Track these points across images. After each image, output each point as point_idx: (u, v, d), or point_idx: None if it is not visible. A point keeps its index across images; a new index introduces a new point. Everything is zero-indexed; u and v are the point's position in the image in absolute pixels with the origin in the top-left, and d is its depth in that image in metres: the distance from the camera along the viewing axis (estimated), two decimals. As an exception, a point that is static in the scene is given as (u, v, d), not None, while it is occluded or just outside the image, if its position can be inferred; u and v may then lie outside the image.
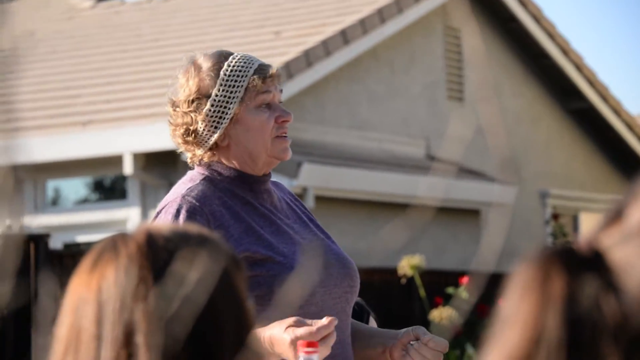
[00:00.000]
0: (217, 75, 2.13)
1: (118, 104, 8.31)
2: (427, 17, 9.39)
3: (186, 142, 2.14)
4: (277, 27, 9.12)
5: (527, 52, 10.36)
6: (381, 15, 8.82)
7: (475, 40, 9.98)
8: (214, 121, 2.12)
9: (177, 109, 2.15)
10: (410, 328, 2.13)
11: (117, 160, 7.94)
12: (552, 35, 10.18)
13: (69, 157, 8.03)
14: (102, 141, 7.91)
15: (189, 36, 9.46)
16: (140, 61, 9.11)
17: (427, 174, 8.52)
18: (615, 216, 0.71)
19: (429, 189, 8.38)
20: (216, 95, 2.12)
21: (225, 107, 2.12)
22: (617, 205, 0.72)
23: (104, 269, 1.05)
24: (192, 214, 2.05)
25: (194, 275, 1.00)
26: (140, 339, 1.00)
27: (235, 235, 2.07)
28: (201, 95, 2.13)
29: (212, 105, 2.12)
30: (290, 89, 8.11)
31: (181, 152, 2.19)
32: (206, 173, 2.14)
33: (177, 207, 2.06)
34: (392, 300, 7.70)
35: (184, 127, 2.13)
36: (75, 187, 8.50)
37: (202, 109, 2.12)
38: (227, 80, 2.13)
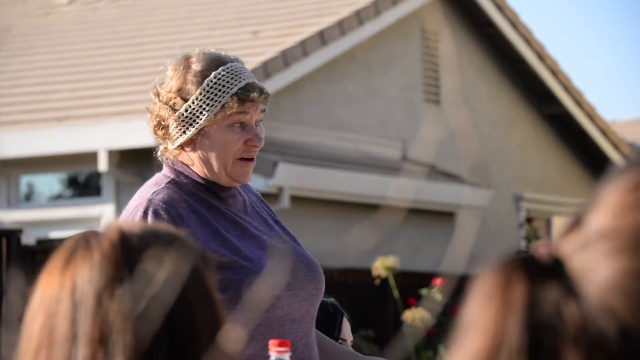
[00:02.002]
0: (201, 82, 2.11)
1: (94, 100, 8.28)
2: (404, 20, 9.42)
3: (156, 134, 2.15)
4: (255, 27, 9.12)
5: (504, 56, 10.42)
6: (359, 17, 8.84)
7: (451, 43, 10.03)
8: (183, 125, 2.11)
9: (157, 100, 2.15)
10: None
11: (91, 157, 7.91)
12: (528, 40, 10.25)
13: (43, 152, 7.99)
14: (77, 137, 7.87)
15: (167, 34, 9.44)
16: (117, 58, 9.07)
17: (402, 176, 8.55)
18: (576, 223, 0.73)
19: (403, 190, 8.41)
20: (192, 102, 2.10)
21: (197, 117, 2.10)
22: (578, 212, 0.74)
23: (77, 267, 1.05)
24: (158, 217, 2.04)
25: (164, 273, 1.01)
26: (116, 338, 1.00)
27: (202, 239, 2.06)
28: (179, 97, 2.12)
29: (185, 111, 2.11)
30: (267, 88, 8.10)
31: (156, 146, 2.19)
32: (172, 176, 2.14)
33: (144, 210, 2.05)
34: (366, 301, 7.72)
35: (158, 119, 2.13)
36: (49, 183, 8.45)
37: (177, 110, 2.11)
38: (207, 92, 2.10)
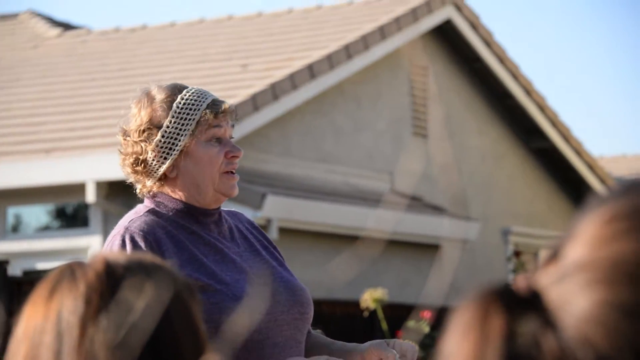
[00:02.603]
0: (170, 107, 2.15)
1: (82, 132, 8.29)
2: (393, 54, 9.49)
3: (135, 172, 2.15)
4: (244, 60, 9.17)
5: (492, 91, 10.49)
6: (348, 51, 8.90)
7: (440, 78, 10.10)
8: (163, 152, 2.13)
9: (128, 138, 2.16)
10: (371, 344, 2.13)
11: (79, 188, 7.90)
12: (515, 75, 10.34)
13: (31, 183, 7.98)
14: (64, 169, 7.87)
15: (156, 67, 9.47)
16: (106, 90, 9.10)
17: (390, 209, 8.57)
18: (553, 255, 0.74)
19: (388, 222, 8.42)
20: (167, 127, 2.13)
21: (175, 139, 2.13)
22: (555, 244, 0.75)
23: (62, 297, 1.05)
24: (135, 244, 2.07)
25: (143, 301, 1.01)
26: None
27: (177, 264, 2.07)
28: (152, 126, 2.14)
29: (162, 136, 2.14)
30: (256, 121, 8.14)
31: (130, 182, 2.20)
32: (152, 205, 2.16)
33: (121, 238, 2.08)
34: (354, 332, 7.69)
35: (134, 156, 2.15)
36: (36, 214, 8.43)
37: (153, 139, 2.14)
38: (179, 113, 2.14)
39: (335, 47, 8.90)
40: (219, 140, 2.15)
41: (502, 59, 10.22)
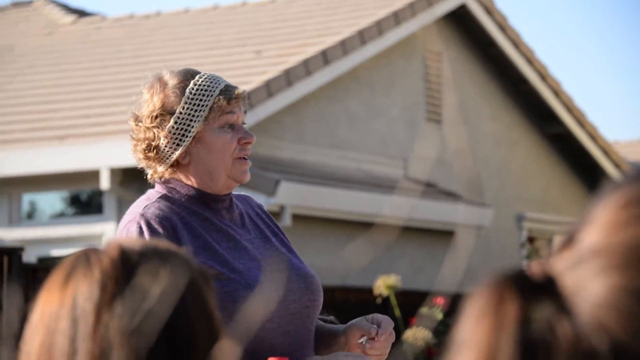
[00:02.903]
0: (183, 92, 2.13)
1: (96, 119, 8.31)
2: (407, 40, 9.45)
3: (147, 158, 2.14)
4: (258, 47, 9.16)
5: (506, 77, 10.44)
6: (362, 37, 8.87)
7: (454, 63, 10.07)
8: (176, 138, 2.12)
9: (140, 124, 2.15)
10: (351, 323, 2.14)
11: (93, 175, 7.92)
12: (530, 60, 10.28)
13: (45, 171, 8.00)
14: (79, 156, 7.89)
15: (170, 53, 9.47)
16: (120, 77, 9.11)
17: (404, 195, 8.55)
18: (568, 241, 0.74)
19: (402, 208, 8.41)
20: (180, 113, 2.12)
21: (188, 125, 2.12)
22: (570, 230, 0.74)
23: (77, 283, 1.05)
24: (153, 230, 2.06)
25: (159, 287, 1.01)
26: (115, 355, 1.00)
27: (192, 251, 2.07)
28: (165, 112, 2.13)
29: (175, 122, 2.12)
30: (270, 107, 8.13)
31: (142, 167, 2.19)
32: (164, 191, 2.15)
33: (137, 225, 2.07)
34: (367, 320, 7.70)
35: (146, 142, 2.13)
36: (51, 201, 8.46)
37: (165, 125, 2.12)
38: (192, 99, 2.13)
39: (349, 32, 8.88)
40: (232, 127, 2.15)
41: (517, 43, 10.16)
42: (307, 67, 8.42)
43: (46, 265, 6.36)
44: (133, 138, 2.16)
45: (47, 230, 8.28)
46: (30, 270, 5.95)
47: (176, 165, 2.14)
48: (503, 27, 10.08)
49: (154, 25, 10.57)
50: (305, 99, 8.63)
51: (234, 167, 2.14)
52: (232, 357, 1.03)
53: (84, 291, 1.05)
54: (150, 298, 1.00)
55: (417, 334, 5.29)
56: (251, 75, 8.28)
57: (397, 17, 9.16)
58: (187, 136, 2.12)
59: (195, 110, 2.12)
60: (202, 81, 2.15)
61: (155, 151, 2.13)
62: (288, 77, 8.26)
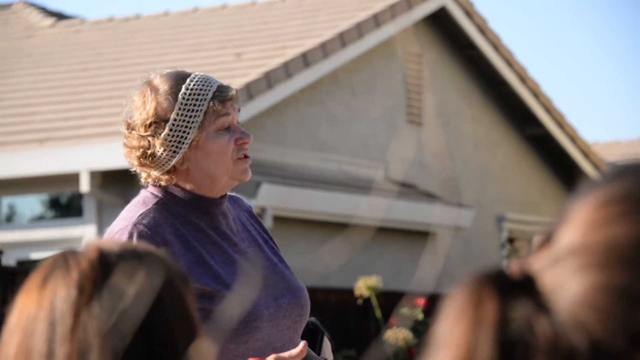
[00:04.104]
0: (175, 98, 2.10)
1: (76, 121, 8.27)
2: (387, 42, 9.48)
3: (142, 165, 2.10)
4: (238, 49, 9.15)
5: (486, 78, 10.49)
6: (342, 39, 8.89)
7: (434, 65, 10.10)
8: (172, 146, 2.09)
9: (133, 132, 2.11)
10: None
11: (73, 178, 7.89)
12: (510, 62, 10.33)
13: (25, 174, 7.96)
14: (59, 158, 7.85)
15: (150, 56, 9.45)
16: (100, 80, 9.07)
17: (384, 196, 8.57)
18: (546, 240, 0.74)
19: (384, 210, 8.42)
20: (175, 120, 2.09)
21: (184, 132, 2.09)
22: (548, 229, 0.75)
23: (55, 286, 1.05)
24: (143, 242, 2.03)
25: (138, 289, 1.01)
26: (93, 357, 1.00)
27: (185, 266, 2.05)
28: (159, 119, 2.09)
29: (170, 130, 2.09)
30: (250, 110, 8.12)
31: (134, 170, 2.16)
32: (160, 196, 2.11)
33: (129, 235, 2.04)
34: (348, 320, 7.71)
35: (141, 150, 2.10)
36: (30, 204, 8.42)
37: (160, 133, 2.09)
38: (185, 104, 2.09)
39: (329, 35, 8.89)
40: (228, 128, 2.12)
41: (497, 46, 10.21)
42: (287, 70, 8.42)
43: (25, 269, 6.32)
44: (126, 145, 2.12)
45: (27, 234, 8.24)
46: (10, 273, 5.91)
47: (173, 171, 2.11)
48: (483, 29, 10.12)
49: (133, 28, 10.54)
50: (285, 102, 8.63)
51: (235, 167, 2.12)
52: (209, 358, 1.03)
53: (62, 293, 1.04)
54: (127, 298, 1.00)
55: (398, 335, 5.30)
56: (231, 77, 8.27)
57: (377, 20, 9.18)
58: (183, 143, 2.09)
59: (190, 117, 2.09)
60: (194, 85, 2.11)
61: (150, 158, 2.10)
62: (268, 80, 8.26)
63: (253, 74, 8.30)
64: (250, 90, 8.09)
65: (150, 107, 2.10)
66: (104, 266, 1.05)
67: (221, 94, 2.11)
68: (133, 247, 1.09)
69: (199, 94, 2.10)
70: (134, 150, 2.11)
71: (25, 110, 8.77)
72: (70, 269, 1.06)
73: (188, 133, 2.09)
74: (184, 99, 2.10)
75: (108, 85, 8.84)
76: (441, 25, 10.10)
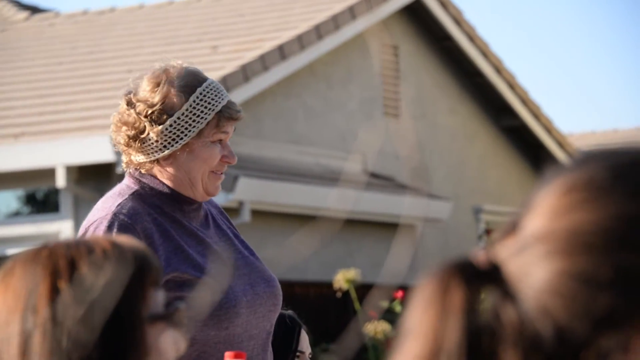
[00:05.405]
0: (187, 98, 2.10)
1: (51, 116, 8.22)
2: (363, 34, 9.48)
3: (128, 145, 2.09)
4: (214, 42, 9.12)
5: (462, 70, 10.52)
6: (318, 32, 8.88)
7: (410, 57, 10.11)
8: (167, 140, 2.09)
9: (131, 110, 2.09)
10: None
11: (49, 173, 7.84)
12: (485, 53, 10.37)
13: (0, 169, 7.91)
14: (34, 154, 7.80)
15: (125, 49, 9.40)
16: (76, 74, 9.02)
17: (361, 189, 8.58)
18: (512, 228, 0.75)
19: (358, 202, 8.43)
20: (178, 118, 2.09)
21: (182, 132, 2.09)
22: (514, 217, 0.75)
23: (24, 281, 1.07)
24: (125, 231, 2.02)
25: (106, 281, 1.02)
26: (68, 346, 1.00)
27: (164, 256, 2.05)
28: (164, 110, 2.09)
29: (171, 126, 2.09)
30: (226, 103, 8.11)
31: (115, 147, 2.15)
32: (136, 187, 2.11)
33: (108, 224, 2.03)
34: (327, 314, 7.73)
35: (134, 131, 2.08)
36: (6, 200, 8.36)
37: (160, 123, 2.08)
38: (194, 108, 2.09)
39: (305, 27, 8.88)
40: (220, 142, 2.13)
41: (472, 37, 10.24)
42: (263, 62, 8.40)
43: (1, 265, 6.28)
44: (119, 120, 2.09)
45: (3, 230, 8.18)
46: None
47: (156, 162, 2.11)
48: (458, 20, 10.15)
49: (108, 21, 10.48)
50: (262, 94, 8.62)
51: (210, 179, 2.13)
52: (176, 348, 1.03)
53: (32, 288, 1.05)
54: (94, 290, 1.00)
55: (377, 327, 5.32)
56: (208, 71, 8.21)
57: (352, 12, 9.18)
58: (178, 142, 2.09)
59: (194, 121, 2.09)
60: (208, 93, 2.11)
61: (140, 143, 2.09)
62: (245, 73, 8.24)
63: (229, 67, 8.28)
64: (227, 83, 8.07)
65: (160, 94, 2.09)
66: (74, 258, 1.06)
67: (230, 111, 2.12)
68: (102, 239, 1.09)
69: (209, 103, 2.11)
70: (127, 128, 2.09)
71: (-1, 105, 8.71)
72: (41, 263, 1.07)
73: (186, 135, 2.09)
74: (194, 102, 2.10)
75: (84, 79, 8.79)
76: (417, 16, 10.12)
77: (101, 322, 0.99)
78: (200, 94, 2.10)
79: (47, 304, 1.03)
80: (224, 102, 2.12)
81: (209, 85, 2.12)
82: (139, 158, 2.10)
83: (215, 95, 2.11)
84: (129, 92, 2.11)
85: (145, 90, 2.10)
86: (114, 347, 1.02)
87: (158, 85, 2.09)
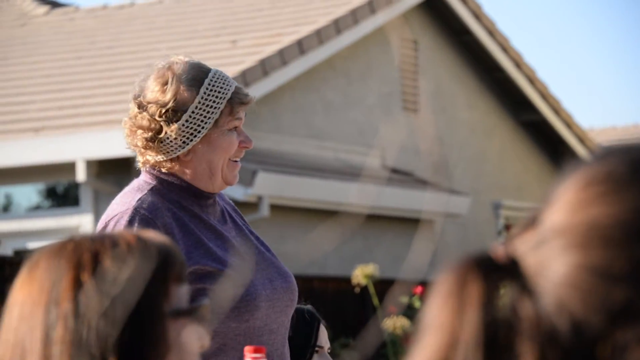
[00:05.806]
0: (197, 91, 2.10)
1: (71, 110, 8.26)
2: (382, 29, 9.46)
3: (147, 147, 2.09)
4: (233, 36, 9.13)
5: (481, 64, 10.48)
6: (337, 26, 8.87)
7: (429, 52, 10.09)
8: (185, 136, 2.09)
9: (144, 113, 2.09)
10: None
11: (69, 167, 7.88)
12: (505, 48, 10.32)
13: (21, 163, 7.96)
14: (54, 148, 7.85)
15: (145, 44, 9.43)
16: (95, 68, 9.06)
17: (380, 184, 8.58)
18: (531, 223, 0.75)
19: (379, 197, 8.43)
20: (193, 112, 2.09)
21: (199, 126, 2.10)
22: (533, 212, 0.76)
23: (49, 274, 1.07)
24: (146, 225, 2.03)
25: (129, 275, 1.02)
26: (88, 340, 1.01)
27: (184, 250, 2.06)
28: (177, 108, 2.09)
29: (187, 121, 2.09)
30: (245, 97, 8.12)
31: (131, 149, 2.14)
32: (154, 183, 2.11)
33: (129, 218, 2.03)
34: (346, 308, 7.73)
35: (150, 132, 2.08)
36: (27, 194, 8.42)
37: (175, 121, 2.08)
38: (206, 99, 2.10)
39: (324, 22, 8.87)
40: (236, 129, 2.15)
41: (492, 31, 10.20)
42: (282, 57, 8.41)
43: (22, 258, 6.33)
44: (133, 124, 2.09)
45: (24, 223, 8.24)
46: (7, 263, 5.92)
47: (176, 159, 2.11)
48: (477, 15, 10.11)
49: (127, 16, 10.52)
50: (281, 89, 8.62)
51: (229, 169, 2.14)
52: (200, 343, 1.04)
53: (55, 280, 1.06)
54: (118, 284, 1.01)
55: (396, 323, 5.32)
56: (227, 65, 8.26)
57: (372, 6, 9.17)
58: (196, 136, 2.10)
59: (208, 112, 2.10)
60: (216, 82, 2.12)
61: (159, 143, 2.09)
62: (264, 67, 8.25)
63: (248, 62, 8.29)
64: (246, 78, 8.08)
65: (170, 93, 2.09)
66: (98, 252, 1.07)
67: (240, 96, 2.13)
68: (124, 233, 1.10)
69: (219, 92, 2.12)
70: (141, 131, 2.09)
71: (20, 99, 8.75)
72: (65, 256, 1.08)
73: (203, 127, 2.10)
74: (205, 93, 2.10)
75: (103, 74, 8.83)
76: (436, 10, 10.09)
77: (123, 316, 1.00)
78: (209, 84, 2.11)
79: (70, 296, 1.04)
80: (232, 89, 2.13)
81: (215, 74, 2.13)
82: (159, 157, 2.10)
83: (224, 84, 2.12)
84: (138, 95, 2.11)
85: (153, 90, 2.09)
86: (134, 340, 1.02)
87: (166, 83, 2.09)
